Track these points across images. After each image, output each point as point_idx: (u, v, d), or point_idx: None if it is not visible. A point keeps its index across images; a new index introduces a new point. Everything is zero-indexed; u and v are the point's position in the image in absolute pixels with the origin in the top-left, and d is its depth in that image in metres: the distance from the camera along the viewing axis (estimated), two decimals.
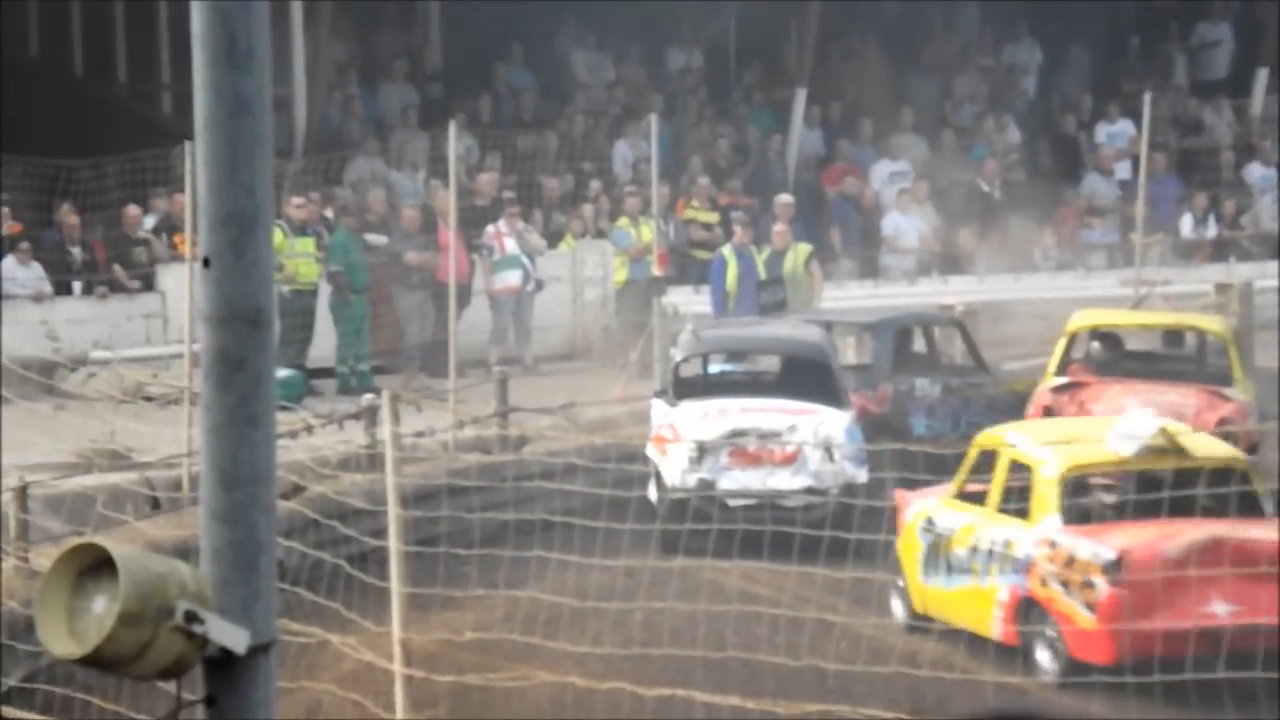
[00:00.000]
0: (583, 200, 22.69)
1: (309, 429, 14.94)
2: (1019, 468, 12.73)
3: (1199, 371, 16.96)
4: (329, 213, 20.88)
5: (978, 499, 12.94)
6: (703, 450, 15.10)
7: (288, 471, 12.41)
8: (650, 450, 15.41)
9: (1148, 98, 21.92)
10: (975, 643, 12.17)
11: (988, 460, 13.03)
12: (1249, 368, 17.08)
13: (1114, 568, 11.74)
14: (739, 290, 20.59)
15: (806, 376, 15.95)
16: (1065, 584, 11.97)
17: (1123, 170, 24.63)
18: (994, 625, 12.36)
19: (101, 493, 13.45)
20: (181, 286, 17.23)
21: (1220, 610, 11.45)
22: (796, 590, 11.80)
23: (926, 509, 13.28)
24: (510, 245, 21.16)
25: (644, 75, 25.10)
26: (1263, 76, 26.01)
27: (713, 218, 22.90)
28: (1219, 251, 24.07)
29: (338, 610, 10.82)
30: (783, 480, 15.11)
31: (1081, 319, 17.41)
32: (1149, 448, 12.12)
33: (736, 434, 15.36)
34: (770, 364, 17.22)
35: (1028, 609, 12.21)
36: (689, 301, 21.46)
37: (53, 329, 19.60)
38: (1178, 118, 25.60)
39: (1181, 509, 11.93)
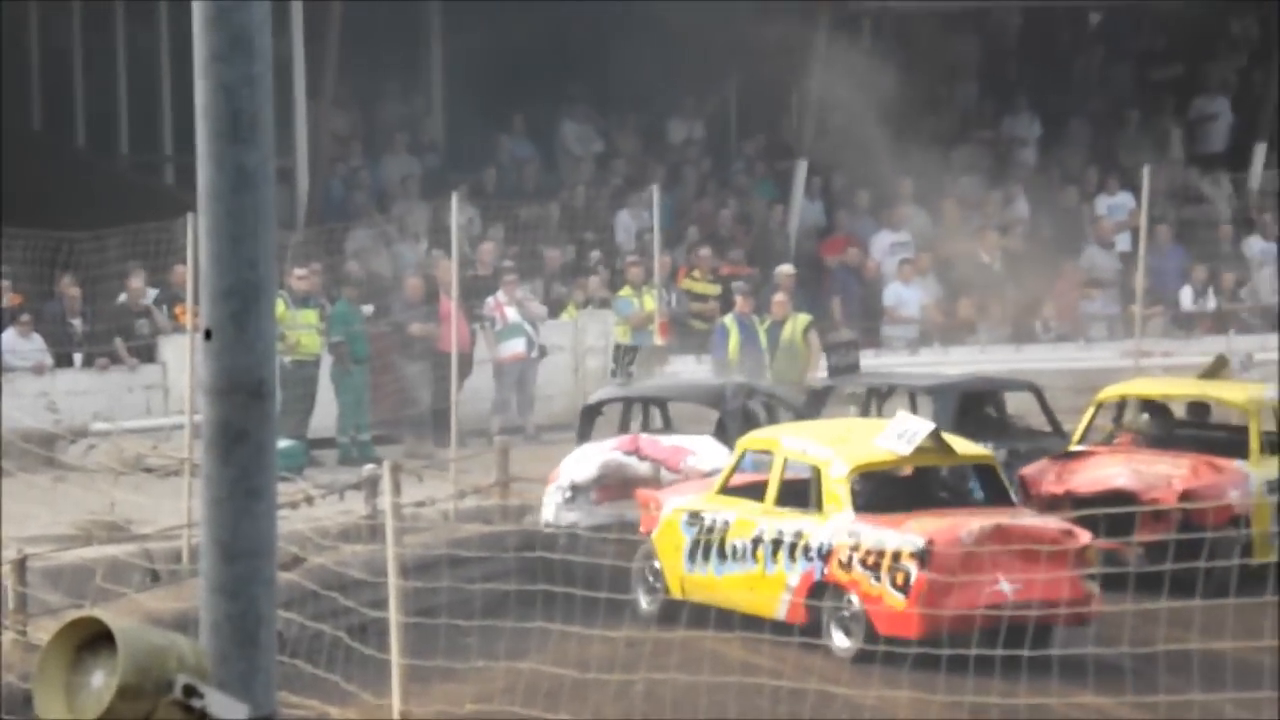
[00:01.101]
0: (585, 270, 22.75)
1: (309, 500, 14.93)
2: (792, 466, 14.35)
3: (1216, 442, 16.96)
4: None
5: (743, 494, 14.46)
6: (575, 489, 15.85)
7: (288, 542, 12.38)
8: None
9: (1146, 170, 22.00)
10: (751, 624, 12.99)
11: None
12: None
13: (924, 553, 13.20)
14: (741, 358, 20.65)
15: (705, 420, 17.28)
16: (873, 569, 13.41)
17: (1122, 242, 24.70)
18: (780, 607, 13.80)
19: (101, 565, 13.41)
20: (183, 358, 17.24)
21: (1007, 589, 12.97)
22: (799, 661, 11.77)
23: (688, 504, 14.65)
24: (511, 314, 21.21)
25: (644, 146, 25.20)
26: (1261, 150, 26.11)
27: (713, 289, 22.95)
28: (1218, 324, 24.11)
29: (337, 683, 10.77)
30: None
31: (1111, 389, 17.78)
32: (921, 447, 13.70)
33: (606, 474, 16.01)
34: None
35: (821, 591, 13.68)
36: (691, 370, 21.51)
37: (53, 401, 19.60)
38: (1176, 190, 25.68)
39: (947, 502, 14.06)
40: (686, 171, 25.04)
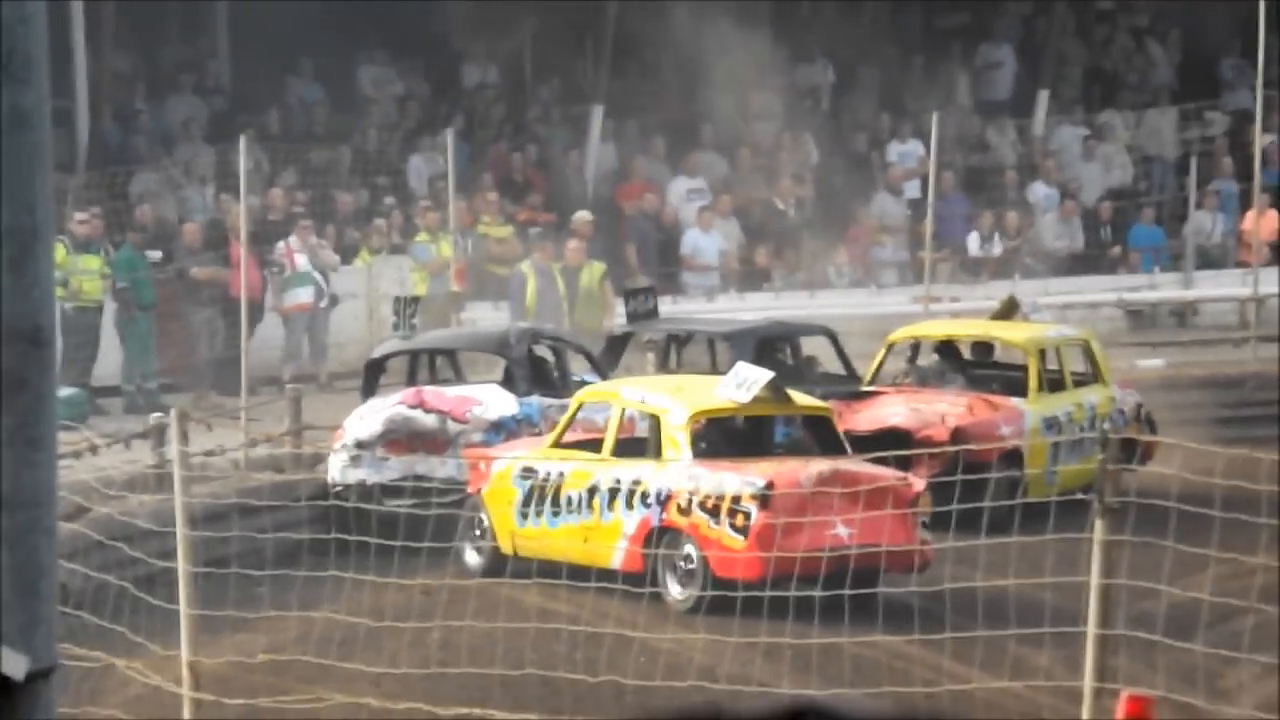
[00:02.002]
0: (378, 215, 22.53)
1: (94, 449, 14.64)
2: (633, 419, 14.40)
3: (1001, 381, 17.30)
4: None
5: (578, 448, 14.44)
6: (361, 447, 15.70)
7: (72, 492, 12.13)
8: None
9: (935, 118, 22.28)
10: (577, 574, 12.79)
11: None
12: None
13: (764, 495, 13.30)
14: (539, 306, 20.58)
15: (494, 369, 17.19)
16: (712, 512, 13.50)
17: (911, 189, 25.00)
18: (616, 556, 13.73)
19: None
20: None
21: (843, 533, 13.16)
22: (596, 606, 11.79)
23: (521, 459, 14.62)
24: (301, 261, 20.94)
25: (437, 90, 24.99)
26: (1043, 98, 26.55)
27: (505, 232, 22.86)
28: (1004, 268, 24.52)
29: (124, 634, 10.59)
30: (430, 468, 15.50)
31: (900, 332, 18.05)
32: (759, 396, 13.82)
33: (391, 429, 15.86)
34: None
35: (659, 537, 13.65)
36: (489, 317, 21.41)
37: None
38: (963, 138, 26.03)
39: (785, 450, 14.32)
40: (481, 116, 24.88)
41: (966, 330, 18.42)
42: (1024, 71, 27.02)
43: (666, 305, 21.44)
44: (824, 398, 17.67)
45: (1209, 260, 25.34)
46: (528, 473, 14.41)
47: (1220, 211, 25.47)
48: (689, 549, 13.56)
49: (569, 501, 14.13)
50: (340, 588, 10.79)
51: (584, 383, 17.25)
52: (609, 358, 17.97)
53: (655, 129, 24.97)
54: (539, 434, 16.32)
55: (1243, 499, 8.61)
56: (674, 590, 13.56)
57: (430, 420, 16.10)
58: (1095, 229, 25.35)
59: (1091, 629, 7.68)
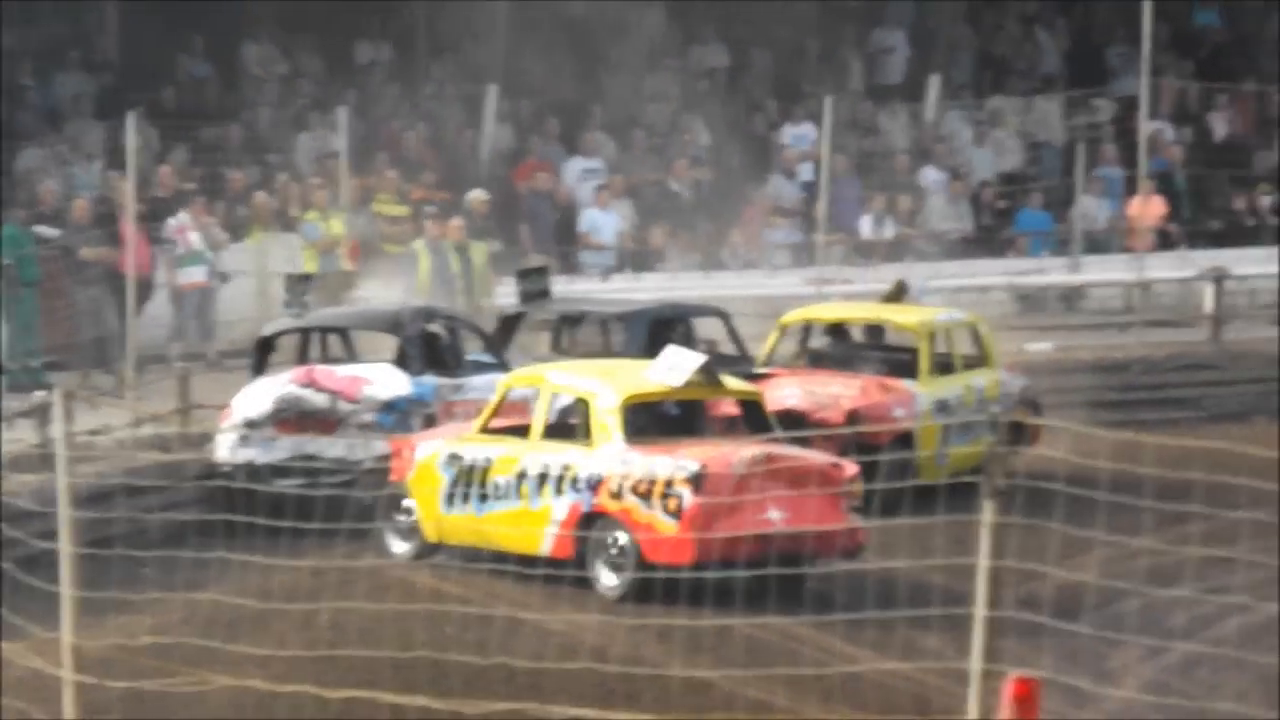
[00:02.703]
0: (269, 193, 22.36)
1: None
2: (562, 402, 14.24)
3: (891, 364, 17.41)
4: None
5: (502, 434, 14.25)
6: (250, 426, 15.59)
7: None
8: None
9: (828, 101, 22.37)
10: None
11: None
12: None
13: (697, 479, 13.15)
14: (432, 285, 20.49)
15: (387, 348, 16.92)
16: (644, 496, 13.33)
17: (805, 171, 25.10)
18: (544, 542, 13.61)
19: None
20: None
21: (775, 517, 13.03)
22: (487, 588, 11.76)
23: (446, 446, 14.32)
24: (195, 239, 20.76)
25: (330, 68, 24.83)
26: (935, 82, 26.73)
27: (401, 210, 22.75)
28: (895, 251, 24.67)
29: (3, 616, 10.45)
30: (320, 448, 15.41)
31: (793, 314, 18.08)
32: (690, 380, 13.69)
33: (281, 409, 15.77)
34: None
35: (588, 524, 13.48)
36: (381, 296, 21.30)
37: None
38: (856, 121, 26.16)
39: (715, 434, 14.02)
40: (374, 93, 24.74)
41: (858, 313, 18.52)
42: (916, 57, 27.19)
43: (561, 285, 21.44)
44: None
45: (1095, 245, 25.60)
46: (453, 459, 14.18)
47: (1106, 197, 25.74)
48: (619, 534, 13.37)
49: (496, 488, 13.92)
50: (227, 569, 10.69)
51: (478, 363, 17.19)
52: (501, 338, 17.91)
53: (550, 109, 24.93)
54: (432, 414, 16.24)
55: (1128, 482, 8.69)
56: (604, 577, 13.37)
57: (321, 399, 15.98)
58: (984, 213, 25.55)
59: (980, 611, 7.73)
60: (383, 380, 16.11)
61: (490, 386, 16.91)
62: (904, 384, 16.73)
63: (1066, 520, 8.77)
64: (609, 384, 13.94)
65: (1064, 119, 27.03)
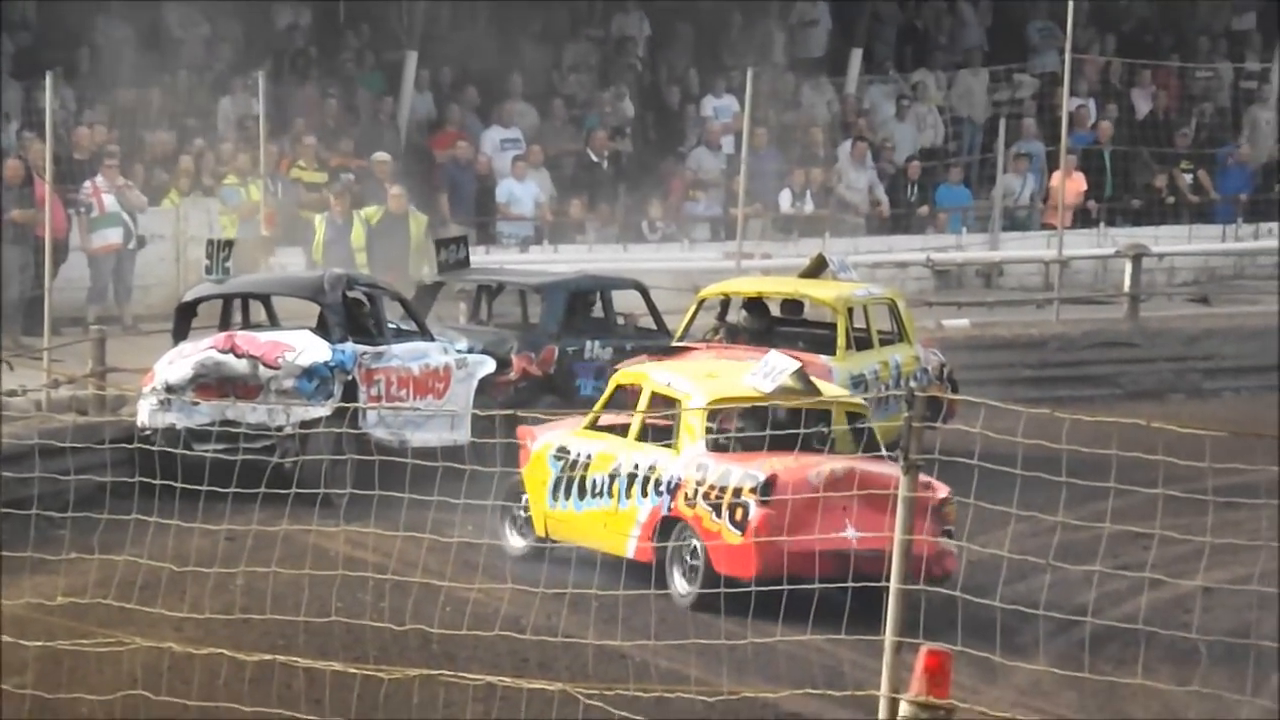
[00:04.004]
0: (188, 158, 22.20)
1: None
2: (658, 403, 13.80)
3: (809, 339, 17.47)
4: None
5: (610, 431, 13.89)
6: (171, 391, 15.46)
7: None
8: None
9: (750, 74, 22.40)
10: (608, 571, 12.69)
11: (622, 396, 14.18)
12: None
13: (765, 489, 12.79)
14: (327, 259, 20.35)
15: (308, 314, 16.80)
16: (715, 504, 12.97)
17: (726, 144, 25.12)
18: (629, 544, 13.32)
19: None
20: None
21: (851, 535, 12.49)
22: (403, 555, 11.74)
23: (557, 439, 14.06)
24: (109, 202, 20.61)
25: (248, 32, 24.64)
26: (857, 56, 26.79)
27: (320, 178, 22.64)
28: (814, 226, 24.74)
29: None
30: (240, 414, 15.38)
31: (712, 288, 18.10)
32: (785, 387, 13.08)
33: (202, 374, 15.71)
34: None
35: (668, 528, 13.17)
36: (298, 263, 21.21)
37: None
38: (778, 94, 26.20)
39: (813, 446, 13.17)
40: (293, 59, 24.58)
41: (777, 287, 18.59)
42: (838, 30, 27.24)
43: (480, 255, 21.40)
44: (635, 352, 17.76)
45: (1015, 222, 25.75)
46: (561, 453, 13.96)
47: (1028, 173, 25.88)
48: (695, 542, 13.01)
49: (594, 485, 13.69)
50: (143, 532, 10.65)
51: (400, 330, 17.16)
52: (419, 307, 17.88)
53: (469, 78, 24.84)
54: (351, 381, 16.18)
55: (1043, 458, 8.77)
56: (678, 584, 13.06)
57: (242, 365, 15.92)
58: (904, 189, 25.65)
59: (894, 584, 7.79)
60: (304, 346, 16.05)
61: (410, 355, 16.89)
62: (821, 359, 16.81)
63: (982, 495, 8.85)
64: (700, 386, 13.61)
65: (986, 94, 27.15)
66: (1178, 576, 10.36)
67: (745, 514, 12.86)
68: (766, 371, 13.30)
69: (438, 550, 11.98)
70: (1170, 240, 25.38)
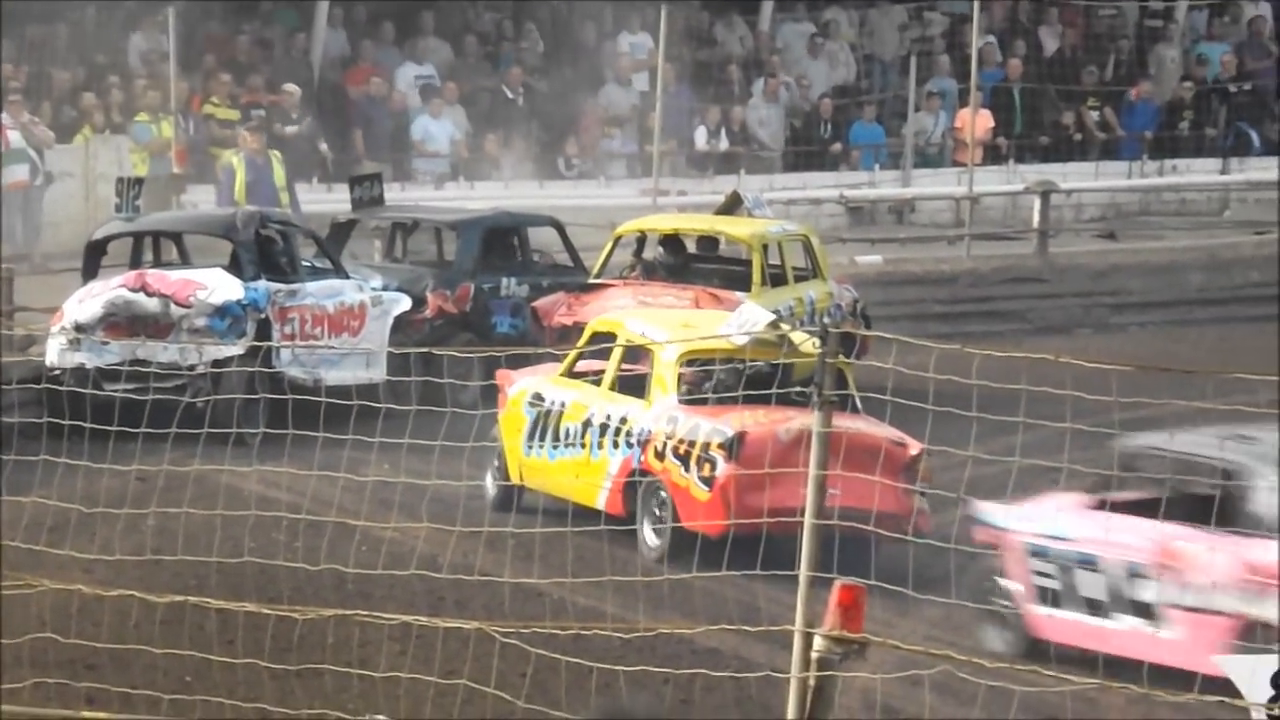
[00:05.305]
0: (98, 94, 21.95)
1: None
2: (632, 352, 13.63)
3: (725, 275, 17.52)
4: None
5: (585, 378, 13.77)
6: (80, 330, 15.34)
7: None
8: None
9: (664, 10, 22.35)
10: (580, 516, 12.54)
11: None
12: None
13: (733, 445, 12.54)
14: (250, 200, 20.17)
15: (220, 253, 16.70)
16: (684, 458, 12.77)
17: (640, 81, 25.07)
18: (601, 495, 13.12)
19: None
20: None
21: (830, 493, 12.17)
22: (318, 494, 11.72)
23: (533, 385, 13.91)
24: (14, 138, 20.37)
25: None
26: None
27: (233, 115, 22.44)
28: (729, 163, 24.75)
29: None
30: (151, 353, 15.29)
31: (628, 225, 18.08)
32: (760, 340, 12.70)
33: (112, 313, 15.57)
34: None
35: (639, 480, 13.03)
36: (210, 201, 21.02)
37: None
38: (691, 31, 26.13)
39: (788, 401, 12.65)
40: None
41: (692, 224, 18.61)
42: None
43: (395, 192, 21.29)
44: (551, 289, 17.74)
45: (927, 159, 25.85)
46: (536, 400, 13.76)
47: (940, 111, 25.96)
48: (664, 494, 12.87)
49: (567, 434, 13.53)
50: (52, 473, 10.57)
51: (314, 268, 17.07)
52: (333, 245, 17.79)
53: (383, 14, 24.65)
54: (265, 319, 16.09)
55: (954, 393, 8.83)
56: (648, 536, 12.90)
57: (153, 304, 15.79)
58: (817, 126, 25.68)
59: (808, 520, 7.84)
60: (216, 285, 15.93)
61: (325, 293, 16.80)
62: (736, 295, 16.86)
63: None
64: (676, 337, 13.37)
65: (898, 32, 27.18)
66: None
67: (713, 469, 12.67)
68: (740, 323, 13.00)
69: (352, 489, 11.97)
70: (1078, 177, 25.56)
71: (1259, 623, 10.54)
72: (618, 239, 17.95)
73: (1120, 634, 11.08)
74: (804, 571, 7.67)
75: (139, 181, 17.67)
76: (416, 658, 9.57)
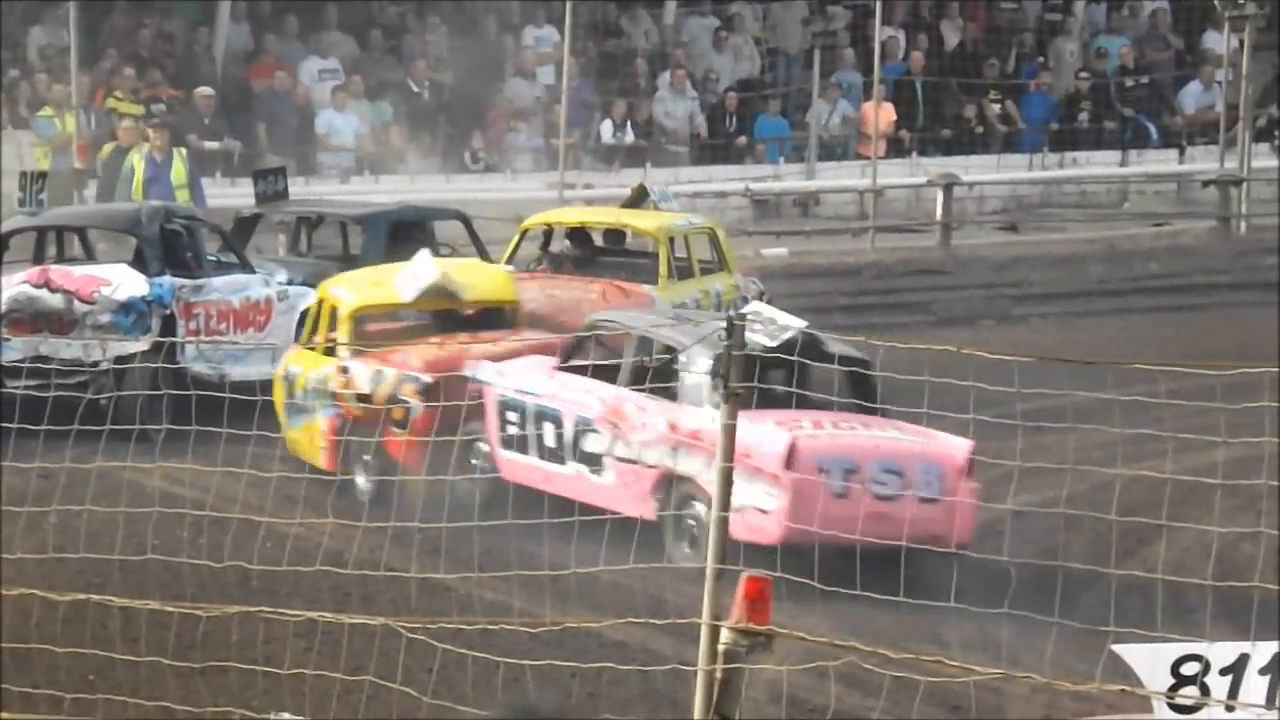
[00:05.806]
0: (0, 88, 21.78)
1: None
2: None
3: (632, 268, 17.55)
4: None
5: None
6: None
7: None
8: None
9: (569, 4, 22.35)
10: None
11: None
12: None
13: (427, 389, 13.30)
14: (149, 197, 20.02)
15: (125, 248, 16.76)
16: (375, 403, 13.51)
17: (546, 74, 25.06)
18: (322, 455, 13.84)
19: None
20: None
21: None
22: (221, 490, 11.65)
23: (286, 360, 14.66)
24: None
25: None
26: None
27: (137, 110, 22.27)
28: (635, 156, 24.78)
29: None
30: (54, 349, 15.23)
31: (534, 218, 18.08)
32: (429, 289, 13.89)
33: (15, 309, 15.52)
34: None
35: (348, 433, 13.71)
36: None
37: None
38: (597, 24, 26.15)
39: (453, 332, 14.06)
40: None
41: (599, 217, 18.63)
42: None
43: (300, 186, 21.20)
44: None
45: (831, 153, 25.97)
46: (287, 374, 14.47)
47: (843, 100, 26.08)
48: (372, 442, 13.53)
49: (301, 402, 14.17)
50: None
51: (220, 263, 16.97)
52: (238, 240, 17.69)
53: (287, 8, 24.53)
54: (169, 315, 15.99)
55: None
56: (360, 483, 13.48)
57: (56, 300, 15.66)
58: (723, 119, 25.75)
59: (715, 511, 7.87)
60: (120, 280, 15.82)
61: (231, 288, 16.70)
62: (643, 288, 16.89)
63: None
64: (351, 292, 14.15)
65: (801, 25, 27.29)
66: (989, 500, 10.57)
67: (409, 412, 13.33)
68: (408, 275, 13.96)
69: (257, 485, 11.91)
70: (979, 169, 25.75)
71: (676, 475, 12.23)
72: (524, 232, 17.96)
73: (567, 478, 12.78)
74: (710, 564, 7.70)
75: (43, 175, 17.51)
76: (322, 654, 9.54)
